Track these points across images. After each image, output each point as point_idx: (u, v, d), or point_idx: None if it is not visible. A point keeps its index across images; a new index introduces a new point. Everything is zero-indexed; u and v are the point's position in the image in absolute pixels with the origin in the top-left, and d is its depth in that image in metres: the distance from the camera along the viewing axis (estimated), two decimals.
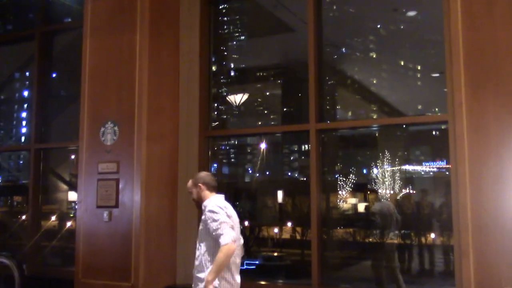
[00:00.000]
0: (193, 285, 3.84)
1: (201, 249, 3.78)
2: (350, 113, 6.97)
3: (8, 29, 8.53)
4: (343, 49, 6.57)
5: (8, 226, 8.26)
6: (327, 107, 6.08)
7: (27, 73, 8.32)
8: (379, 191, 7.01)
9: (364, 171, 7.37)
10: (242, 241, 3.96)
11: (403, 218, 6.24)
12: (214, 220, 3.61)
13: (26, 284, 5.46)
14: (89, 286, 5.51)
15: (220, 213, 3.65)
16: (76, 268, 5.64)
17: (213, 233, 3.59)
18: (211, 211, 3.68)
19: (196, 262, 3.82)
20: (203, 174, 4.11)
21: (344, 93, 6.73)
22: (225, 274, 3.65)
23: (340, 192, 6.67)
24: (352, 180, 6.92)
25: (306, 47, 5.65)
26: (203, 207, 3.88)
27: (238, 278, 3.80)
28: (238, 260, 3.82)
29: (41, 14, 7.41)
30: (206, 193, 3.91)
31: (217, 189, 4.04)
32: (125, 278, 5.25)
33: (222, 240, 3.50)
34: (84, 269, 5.58)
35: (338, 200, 6.63)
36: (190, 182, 4.07)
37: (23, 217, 7.75)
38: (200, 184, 3.94)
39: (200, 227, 3.83)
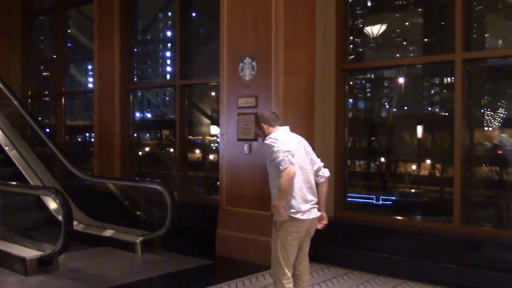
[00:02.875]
0: None
1: (270, 179, 3.97)
2: (500, 41, 6.33)
3: None
4: None
5: (159, 157, 9.04)
6: (474, 35, 5.58)
7: (170, 14, 8.73)
8: None
9: None
10: (317, 166, 4.01)
11: None
12: (271, 152, 3.80)
13: (177, 209, 5.99)
14: (231, 213, 5.89)
15: (273, 144, 3.81)
16: (220, 197, 6.05)
17: (275, 163, 3.79)
18: (267, 146, 3.87)
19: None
20: (262, 113, 4.16)
21: (495, 19, 6.09)
22: (291, 200, 3.78)
23: (486, 128, 6.20)
24: (501, 115, 6.36)
25: None
26: None
27: (305, 206, 3.84)
28: (305, 186, 3.87)
29: None
30: (270, 129, 4.03)
31: (280, 122, 4.08)
32: (265, 207, 5.51)
33: (281, 167, 3.70)
34: (227, 197, 5.96)
35: (483, 136, 6.19)
36: (254, 127, 4.30)
37: (171, 149, 8.41)
38: (262, 124, 4.06)
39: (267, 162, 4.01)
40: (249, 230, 5.69)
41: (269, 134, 4.00)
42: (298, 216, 3.79)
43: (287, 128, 4.08)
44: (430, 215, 5.88)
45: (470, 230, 5.05)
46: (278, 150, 3.77)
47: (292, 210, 3.80)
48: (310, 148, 4.06)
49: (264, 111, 4.35)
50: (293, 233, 3.83)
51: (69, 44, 10.19)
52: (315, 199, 3.95)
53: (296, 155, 3.85)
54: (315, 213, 3.92)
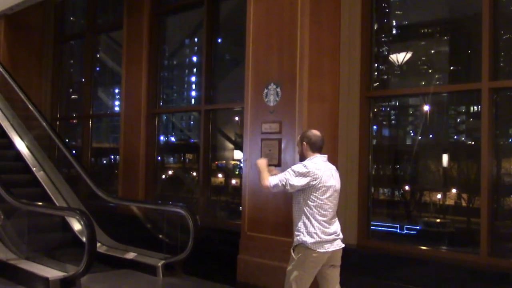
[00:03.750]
0: None
1: (293, 204, 4.05)
2: None
3: None
4: None
5: (182, 180, 9.08)
6: (501, 64, 5.53)
7: (196, 39, 8.88)
8: None
9: None
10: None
11: None
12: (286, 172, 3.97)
13: (199, 233, 6.00)
14: (254, 238, 5.86)
15: (291, 171, 3.95)
16: (242, 222, 6.04)
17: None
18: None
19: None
20: (311, 133, 4.14)
21: None
22: (311, 233, 3.83)
23: None
24: None
25: None
26: None
27: (325, 238, 3.86)
28: (327, 219, 3.91)
29: None
30: (309, 153, 4.04)
31: (322, 150, 4.08)
32: (288, 233, 5.45)
33: (273, 178, 3.98)
34: (250, 223, 5.94)
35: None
36: (298, 137, 4.24)
37: (194, 173, 8.46)
38: (304, 143, 4.06)
39: None
40: (271, 257, 5.64)
41: (305, 155, 4.06)
42: (317, 248, 3.77)
43: (324, 157, 4.08)
44: (456, 246, 5.75)
45: (498, 262, 4.92)
46: (286, 177, 3.91)
47: (311, 241, 3.78)
48: (339, 183, 4.06)
49: (312, 132, 4.18)
50: (310, 263, 3.82)
51: (97, 68, 10.43)
52: (338, 231, 3.93)
53: (322, 187, 3.85)
54: (338, 245, 3.89)
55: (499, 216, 5.32)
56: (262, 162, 4.30)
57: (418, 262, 5.29)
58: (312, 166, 3.91)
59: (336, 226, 3.93)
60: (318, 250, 3.79)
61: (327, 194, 3.88)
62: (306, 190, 3.90)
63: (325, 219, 3.86)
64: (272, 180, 3.99)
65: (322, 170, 3.92)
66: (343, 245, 3.95)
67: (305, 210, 3.88)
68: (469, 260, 5.11)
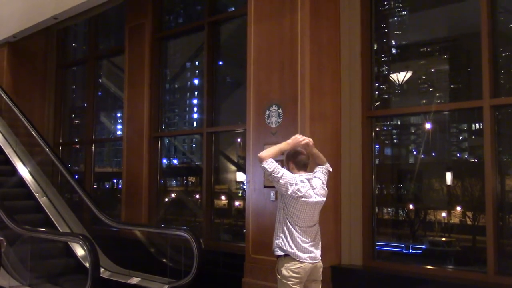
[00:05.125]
0: None
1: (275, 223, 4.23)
2: None
3: (179, 23, 9.24)
4: None
5: (185, 203, 9.05)
6: (502, 81, 5.56)
7: (197, 63, 8.95)
8: None
9: None
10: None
11: None
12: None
13: (203, 256, 5.95)
14: (258, 261, 5.81)
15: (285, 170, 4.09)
16: (246, 244, 5.99)
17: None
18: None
19: None
20: (295, 153, 4.27)
21: None
22: (289, 244, 4.01)
23: None
24: None
25: (476, 17, 5.25)
26: None
27: (302, 248, 4.02)
28: (305, 230, 4.07)
29: (208, 5, 7.86)
30: (294, 171, 4.19)
31: (307, 167, 4.23)
32: None
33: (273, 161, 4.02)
34: (254, 245, 5.90)
35: None
36: (284, 157, 4.37)
37: (197, 196, 8.43)
38: (290, 162, 4.22)
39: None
40: (276, 279, 5.58)
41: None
42: (294, 258, 3.97)
43: (309, 175, 4.22)
44: (462, 265, 5.70)
45: (506, 280, 4.87)
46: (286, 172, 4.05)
47: (290, 250, 4.00)
48: (324, 197, 4.20)
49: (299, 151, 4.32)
50: (294, 278, 4.00)
51: (99, 93, 10.49)
52: (314, 242, 4.11)
53: (302, 203, 4.04)
54: (315, 258, 4.06)
55: (505, 233, 5.28)
56: (285, 146, 4.29)
57: (425, 282, 5.24)
58: (299, 182, 4.07)
59: (313, 238, 4.05)
60: (295, 260, 3.99)
61: (307, 209, 4.06)
62: (287, 203, 4.08)
63: (300, 234, 4.04)
64: (271, 161, 4.03)
65: (305, 188, 4.07)
66: (319, 257, 4.13)
67: (286, 222, 4.08)
68: (476, 279, 5.05)
